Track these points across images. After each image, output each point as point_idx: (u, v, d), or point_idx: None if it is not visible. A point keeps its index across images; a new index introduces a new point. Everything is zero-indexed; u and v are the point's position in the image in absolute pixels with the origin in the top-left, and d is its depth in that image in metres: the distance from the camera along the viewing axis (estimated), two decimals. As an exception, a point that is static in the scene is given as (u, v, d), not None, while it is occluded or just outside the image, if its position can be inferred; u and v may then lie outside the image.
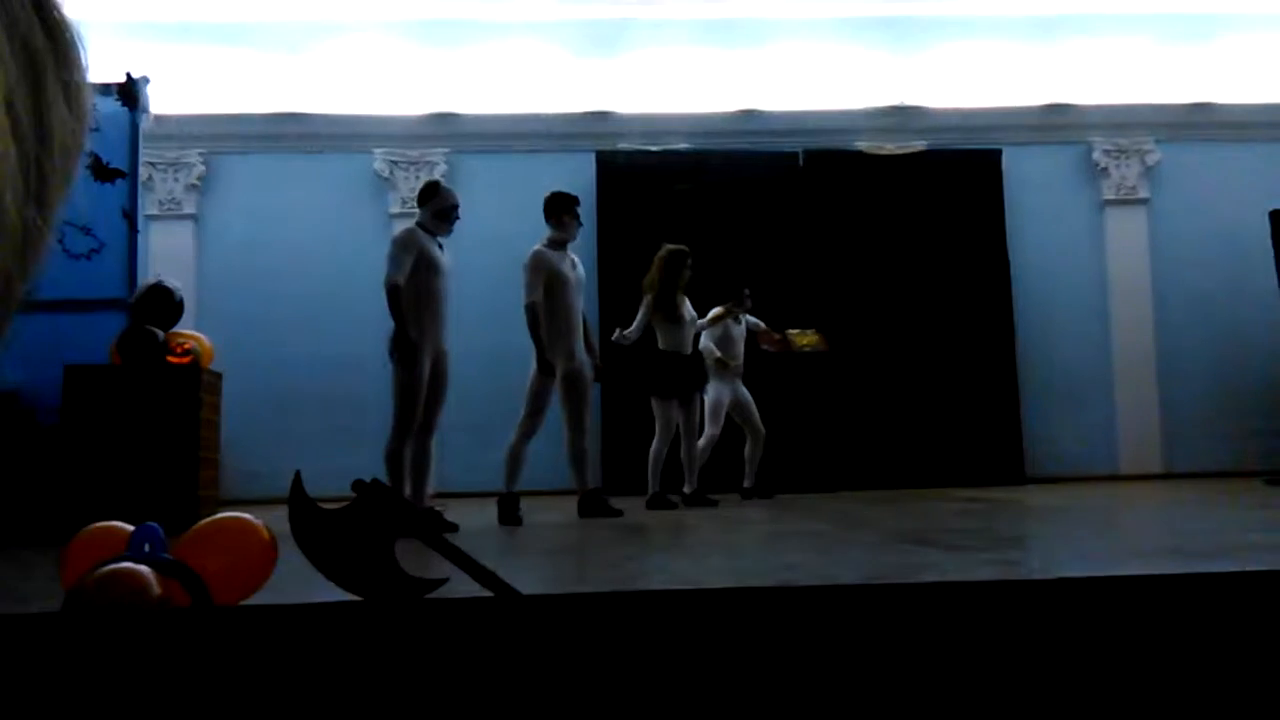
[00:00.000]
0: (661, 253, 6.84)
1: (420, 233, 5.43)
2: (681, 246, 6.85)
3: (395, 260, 5.29)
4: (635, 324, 6.80)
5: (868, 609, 2.37)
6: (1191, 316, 9.29)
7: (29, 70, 0.24)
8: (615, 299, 8.26)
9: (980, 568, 2.97)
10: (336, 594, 2.22)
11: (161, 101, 6.67)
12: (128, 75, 5.79)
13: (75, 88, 0.26)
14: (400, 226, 6.34)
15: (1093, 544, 3.87)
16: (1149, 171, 9.54)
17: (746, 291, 7.34)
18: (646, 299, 6.80)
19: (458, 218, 5.59)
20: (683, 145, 9.29)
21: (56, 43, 0.26)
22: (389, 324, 5.32)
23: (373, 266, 5.96)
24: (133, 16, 8.69)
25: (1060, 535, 4.42)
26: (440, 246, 5.48)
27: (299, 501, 2.44)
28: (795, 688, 2.19)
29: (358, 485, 2.51)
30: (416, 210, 5.65)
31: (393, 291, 5.25)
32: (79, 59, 0.26)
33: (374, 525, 2.33)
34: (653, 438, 6.76)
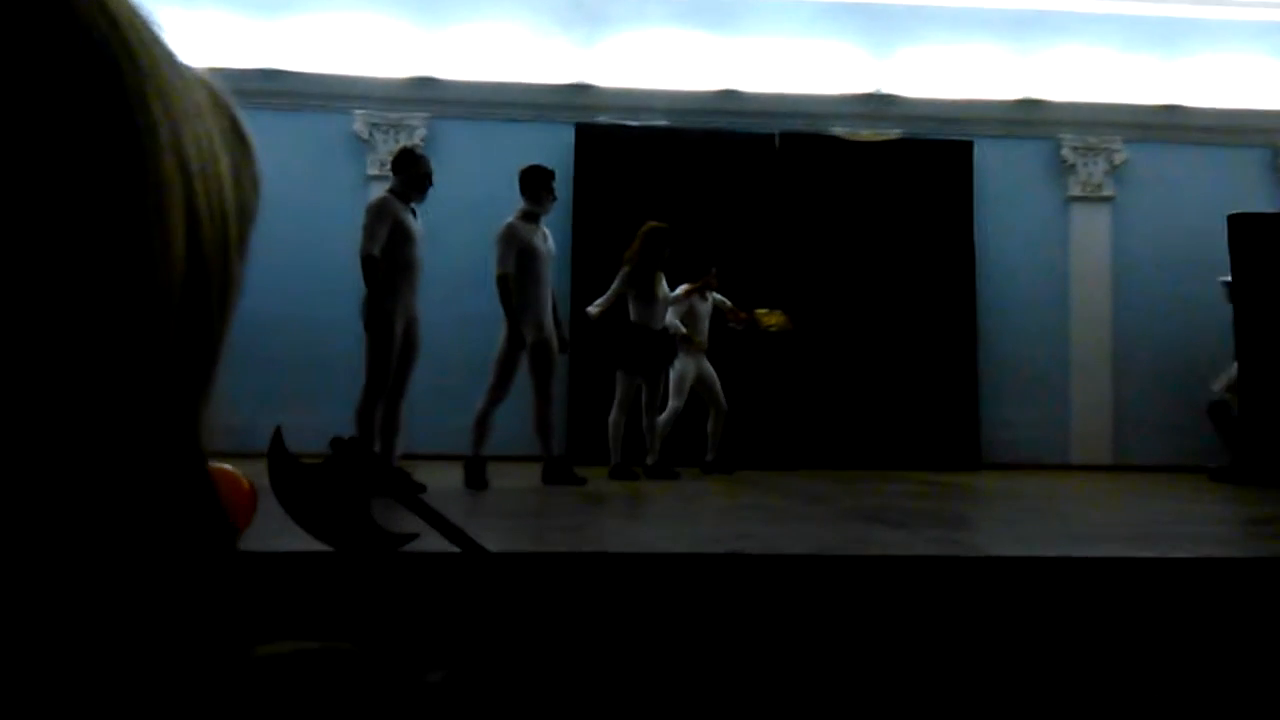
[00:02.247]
0: (644, 228, 6.94)
1: (394, 200, 5.52)
2: (664, 225, 6.95)
3: (369, 230, 5.39)
4: (607, 294, 6.91)
5: (812, 577, 2.62)
6: (1149, 314, 9.53)
7: (232, 160, 0.37)
8: (589, 271, 8.37)
9: (921, 544, 3.14)
10: (313, 545, 2.35)
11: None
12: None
13: (257, 175, 0.39)
14: (376, 191, 6.43)
15: (1030, 527, 4.08)
16: (1115, 170, 9.75)
17: (713, 270, 7.48)
18: (623, 271, 6.90)
19: (431, 185, 5.71)
20: (661, 121, 9.38)
21: (244, 141, 0.38)
22: (363, 288, 5.43)
23: (348, 227, 6.03)
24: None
25: (1001, 518, 4.63)
26: (414, 213, 5.59)
27: (279, 456, 2.56)
28: (740, 646, 2.42)
29: (336, 442, 2.63)
30: (392, 175, 5.77)
31: (367, 261, 5.36)
32: (255, 151, 0.39)
33: (351, 482, 2.46)
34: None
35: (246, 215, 0.36)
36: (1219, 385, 8.30)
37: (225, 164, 0.35)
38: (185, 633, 0.30)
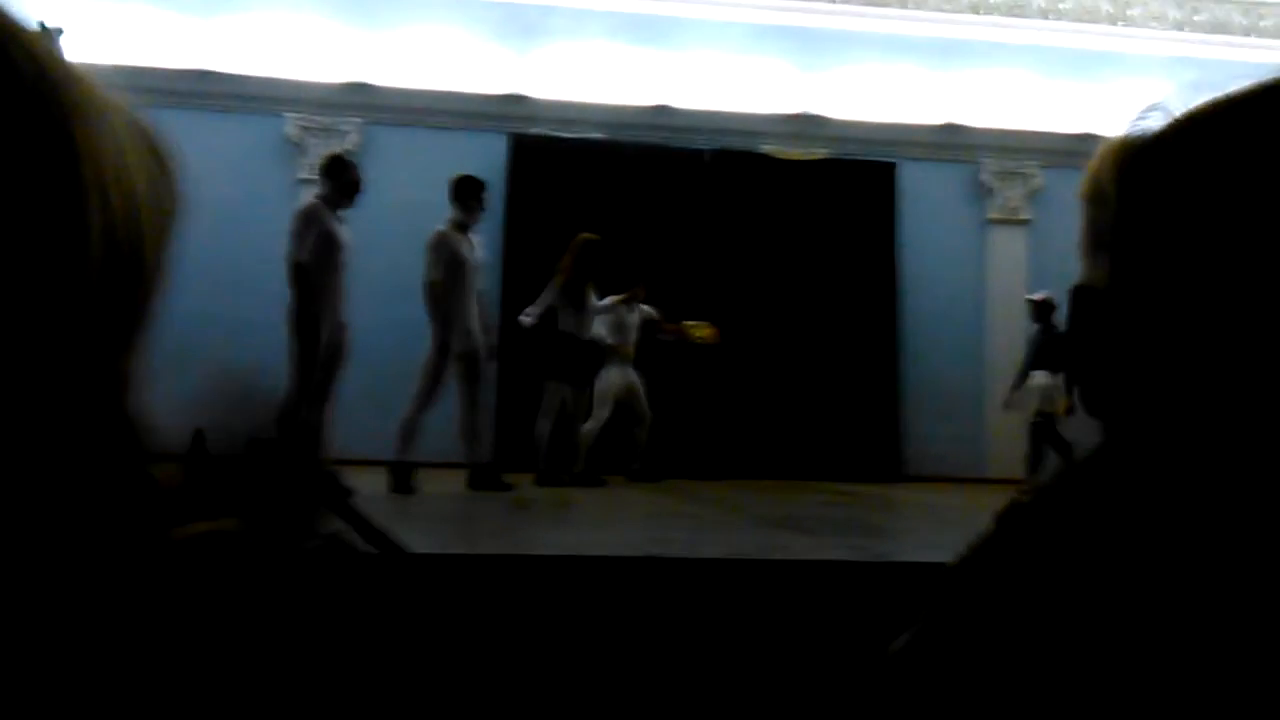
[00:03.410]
0: (577, 240, 7.02)
1: (323, 207, 5.56)
2: (597, 238, 7.04)
3: (298, 236, 5.42)
4: (539, 303, 6.97)
5: (722, 580, 2.78)
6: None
7: (149, 172, 0.47)
8: (520, 280, 8.43)
9: (829, 550, 3.29)
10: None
11: (72, 53, 6.61)
12: (41, 25, 5.75)
13: (174, 183, 0.49)
14: (307, 195, 6.44)
15: (932, 535, 4.26)
16: (1032, 194, 10.11)
17: (641, 283, 7.61)
18: (555, 281, 6.98)
19: (360, 192, 5.75)
20: (595, 134, 9.50)
21: (160, 156, 0.49)
22: (290, 292, 5.45)
23: (278, 230, 6.03)
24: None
25: (910, 528, 4.81)
26: (341, 220, 5.62)
27: (197, 457, 2.63)
28: (651, 645, 2.56)
29: (253, 443, 2.71)
30: (321, 180, 5.80)
31: (296, 267, 5.38)
32: (172, 163, 0.50)
33: (267, 483, 2.54)
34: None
35: (165, 215, 0.47)
36: (1034, 405, 8.56)
37: (140, 175, 0.46)
38: (106, 523, 0.41)
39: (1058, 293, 9.54)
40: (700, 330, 8.09)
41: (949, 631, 0.57)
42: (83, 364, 0.41)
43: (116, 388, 0.44)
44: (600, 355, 7.25)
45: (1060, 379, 8.34)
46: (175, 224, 0.49)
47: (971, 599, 0.57)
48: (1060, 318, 8.55)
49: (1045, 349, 8.49)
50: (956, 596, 0.58)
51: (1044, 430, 8.41)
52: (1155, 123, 0.57)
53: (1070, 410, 8.18)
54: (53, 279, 0.40)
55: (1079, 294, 0.61)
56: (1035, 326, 8.63)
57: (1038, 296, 8.70)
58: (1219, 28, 10.41)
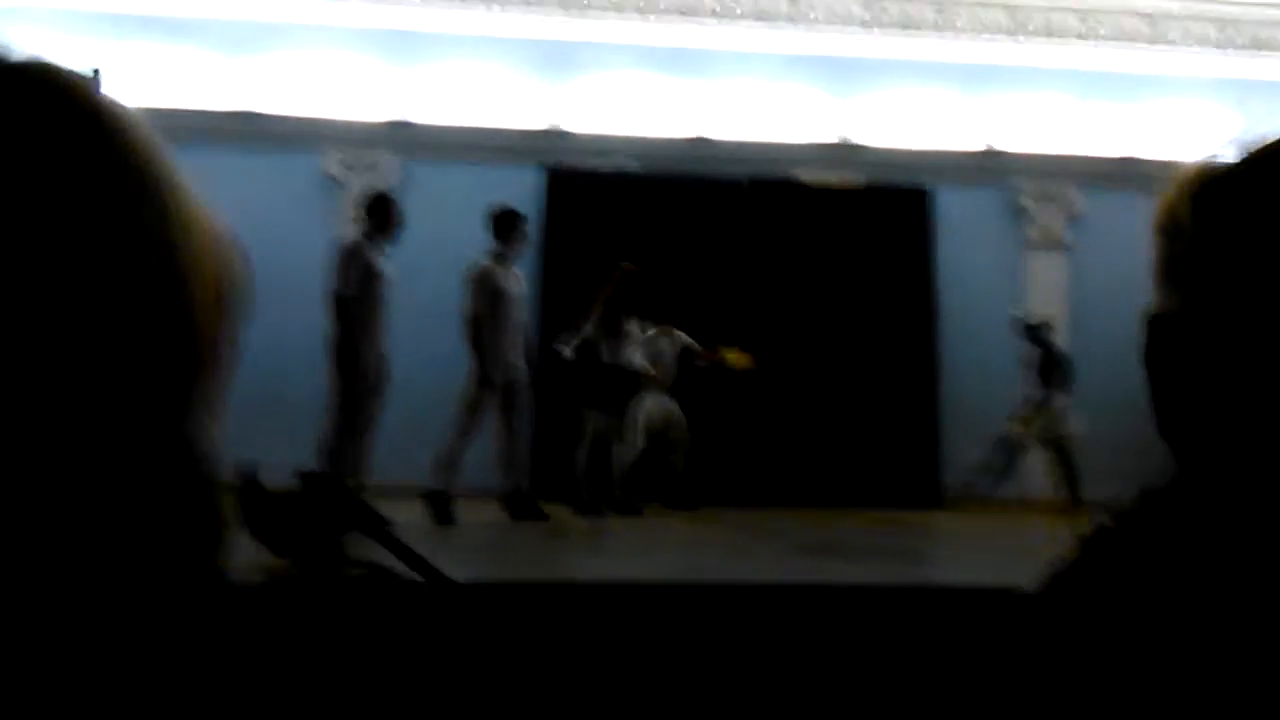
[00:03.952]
0: (617, 270, 7.09)
1: (364, 242, 5.69)
2: (635, 269, 7.11)
3: (340, 271, 5.54)
4: (579, 333, 7.03)
5: (760, 606, 2.75)
6: (1105, 357, 9.70)
7: (232, 266, 0.52)
8: (557, 312, 8.49)
9: (869, 576, 3.28)
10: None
11: (113, 95, 6.79)
12: (95, 72, 5.93)
13: (244, 274, 0.54)
14: (348, 231, 6.55)
15: (976, 560, 4.22)
16: (1072, 218, 10.03)
17: (674, 315, 7.67)
18: (595, 311, 7.03)
19: (401, 228, 5.87)
20: (632, 165, 9.57)
21: (234, 250, 0.54)
22: (331, 326, 5.55)
23: (319, 265, 6.13)
24: (87, 8, 8.76)
25: (948, 553, 4.77)
26: (382, 254, 5.74)
27: (251, 489, 2.66)
28: (692, 672, 2.54)
29: (305, 476, 2.75)
30: (364, 217, 5.92)
31: (339, 303, 5.49)
32: (240, 254, 0.55)
33: (323, 512, 2.57)
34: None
35: (240, 302, 0.51)
36: (1036, 426, 8.61)
37: (229, 268, 0.54)
38: (169, 551, 0.44)
39: (1103, 313, 9.46)
40: (737, 358, 8.09)
41: (1033, 661, 0.57)
42: (163, 390, 0.48)
43: (188, 416, 0.48)
44: (637, 384, 7.27)
45: (1064, 399, 8.51)
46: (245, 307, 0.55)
47: (1057, 627, 0.57)
48: (1050, 335, 8.66)
49: (1044, 368, 8.66)
50: (1041, 625, 0.58)
51: (1007, 446, 8.53)
52: (1230, 154, 0.58)
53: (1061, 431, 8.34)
54: (164, 304, 0.47)
55: (1153, 323, 0.62)
56: (1034, 349, 8.75)
57: (1024, 318, 8.87)
58: (1261, 46, 10.30)
